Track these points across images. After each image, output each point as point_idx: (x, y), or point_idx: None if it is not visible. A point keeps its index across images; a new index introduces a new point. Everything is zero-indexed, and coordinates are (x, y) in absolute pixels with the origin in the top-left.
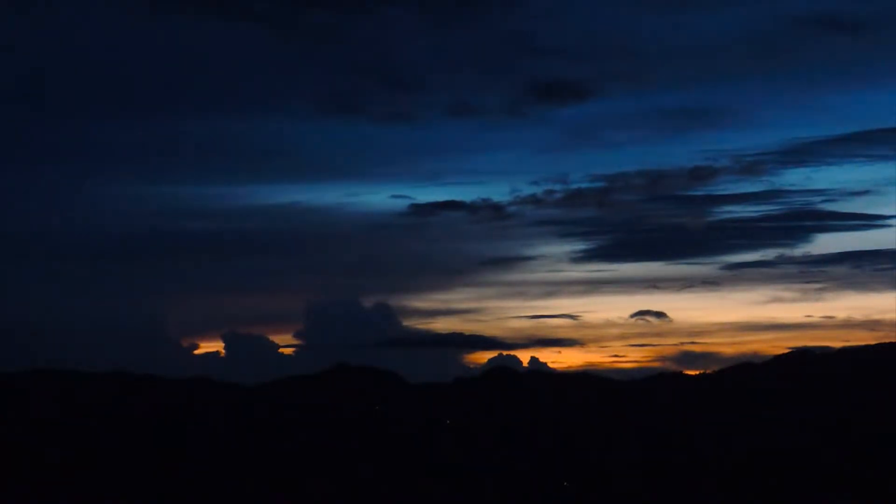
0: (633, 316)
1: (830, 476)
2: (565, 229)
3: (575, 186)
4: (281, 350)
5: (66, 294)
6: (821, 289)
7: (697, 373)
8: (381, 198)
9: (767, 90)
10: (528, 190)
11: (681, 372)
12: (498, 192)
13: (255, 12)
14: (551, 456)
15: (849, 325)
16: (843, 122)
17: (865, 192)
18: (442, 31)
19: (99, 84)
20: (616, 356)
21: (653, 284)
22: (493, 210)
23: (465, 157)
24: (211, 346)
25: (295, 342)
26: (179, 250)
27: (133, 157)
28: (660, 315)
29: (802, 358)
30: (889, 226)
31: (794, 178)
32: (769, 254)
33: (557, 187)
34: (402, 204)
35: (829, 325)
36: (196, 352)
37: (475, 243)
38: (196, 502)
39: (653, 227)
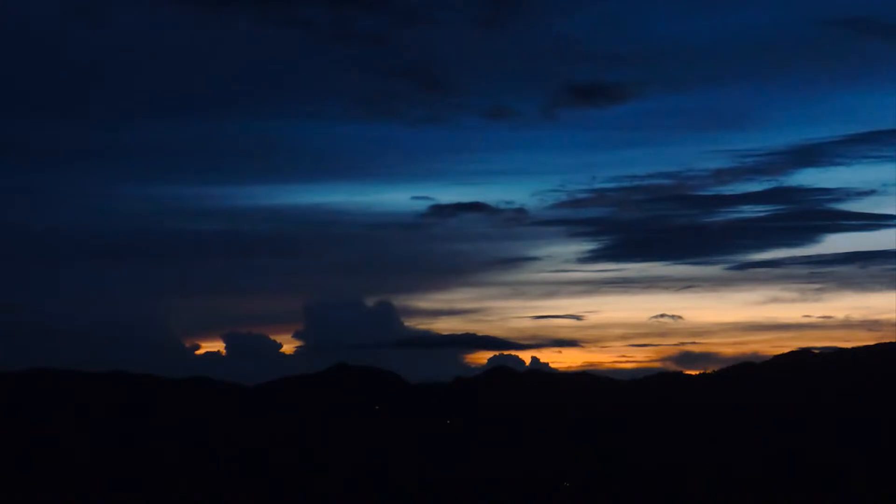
0: (653, 317)
1: (830, 475)
2: (575, 230)
3: (594, 188)
4: (282, 350)
5: (66, 294)
6: (821, 289)
7: (697, 373)
8: (401, 199)
9: (777, 91)
10: (550, 191)
11: (681, 372)
12: (522, 194)
13: (295, 16)
14: (551, 456)
15: (848, 325)
16: (853, 122)
17: (872, 192)
18: (482, 35)
19: (114, 84)
20: (616, 356)
21: (656, 284)
22: (513, 211)
23: (494, 159)
24: (212, 345)
25: (295, 342)
26: (182, 250)
27: (135, 157)
28: (675, 317)
29: (802, 358)
30: (892, 226)
31: (804, 178)
32: (778, 253)
33: (579, 189)
34: (422, 205)
35: (829, 325)
36: (197, 352)
37: (490, 244)
38: (197, 501)
39: (663, 228)
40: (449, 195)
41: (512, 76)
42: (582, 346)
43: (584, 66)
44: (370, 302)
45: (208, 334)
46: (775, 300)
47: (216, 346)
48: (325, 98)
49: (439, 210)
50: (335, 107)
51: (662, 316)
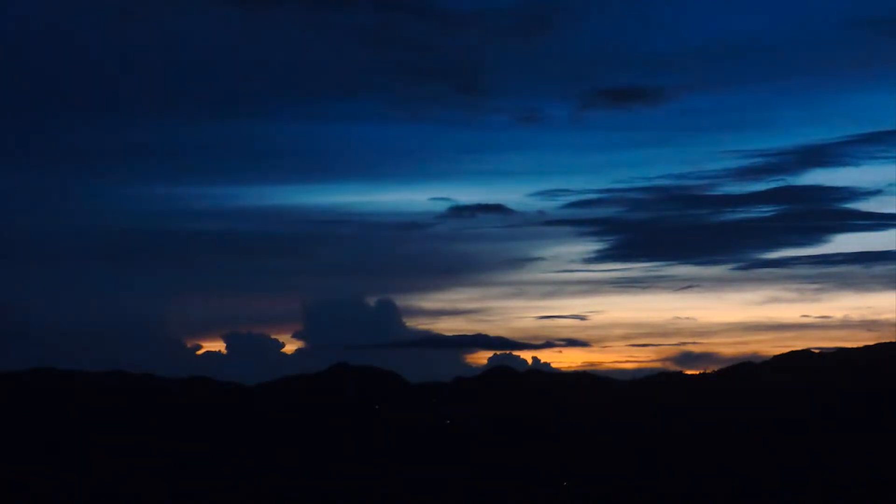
0: (669, 319)
1: (830, 475)
2: (583, 230)
3: (604, 188)
4: (282, 350)
5: (66, 294)
6: (821, 289)
7: (697, 373)
8: (419, 199)
9: (784, 92)
10: (561, 192)
11: (681, 372)
12: (535, 195)
13: (339, 20)
14: (551, 456)
15: (848, 325)
16: (860, 122)
17: (878, 192)
18: (520, 39)
19: (122, 84)
20: (617, 356)
21: (658, 284)
22: (528, 212)
23: (513, 161)
24: (212, 345)
25: (295, 342)
26: (182, 250)
27: (135, 157)
28: (690, 319)
29: (802, 358)
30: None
31: (811, 178)
32: (784, 253)
33: (589, 189)
34: (442, 205)
35: (829, 325)
36: (198, 352)
37: (498, 244)
38: (197, 501)
39: (671, 228)
40: (468, 196)
41: (542, 79)
42: (585, 347)
43: (603, 71)
44: (371, 302)
45: (208, 334)
46: (775, 300)
47: (216, 346)
48: (360, 101)
49: (457, 211)
50: (367, 109)
51: (677, 318)
